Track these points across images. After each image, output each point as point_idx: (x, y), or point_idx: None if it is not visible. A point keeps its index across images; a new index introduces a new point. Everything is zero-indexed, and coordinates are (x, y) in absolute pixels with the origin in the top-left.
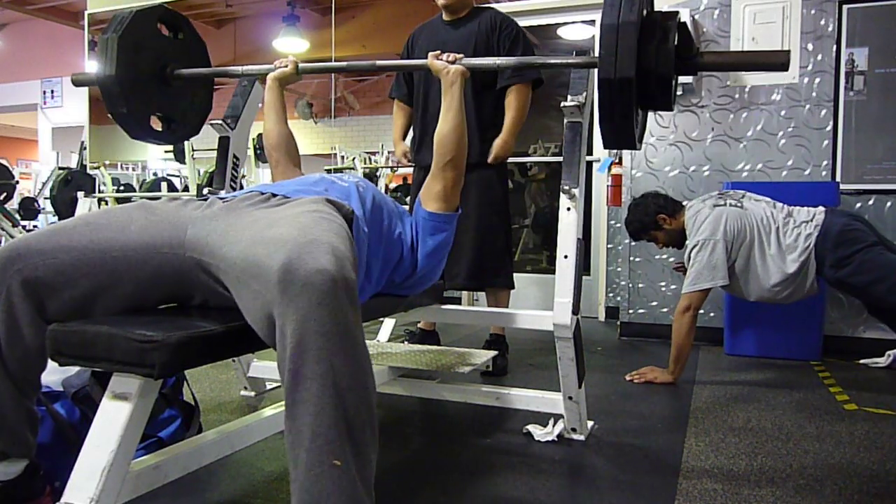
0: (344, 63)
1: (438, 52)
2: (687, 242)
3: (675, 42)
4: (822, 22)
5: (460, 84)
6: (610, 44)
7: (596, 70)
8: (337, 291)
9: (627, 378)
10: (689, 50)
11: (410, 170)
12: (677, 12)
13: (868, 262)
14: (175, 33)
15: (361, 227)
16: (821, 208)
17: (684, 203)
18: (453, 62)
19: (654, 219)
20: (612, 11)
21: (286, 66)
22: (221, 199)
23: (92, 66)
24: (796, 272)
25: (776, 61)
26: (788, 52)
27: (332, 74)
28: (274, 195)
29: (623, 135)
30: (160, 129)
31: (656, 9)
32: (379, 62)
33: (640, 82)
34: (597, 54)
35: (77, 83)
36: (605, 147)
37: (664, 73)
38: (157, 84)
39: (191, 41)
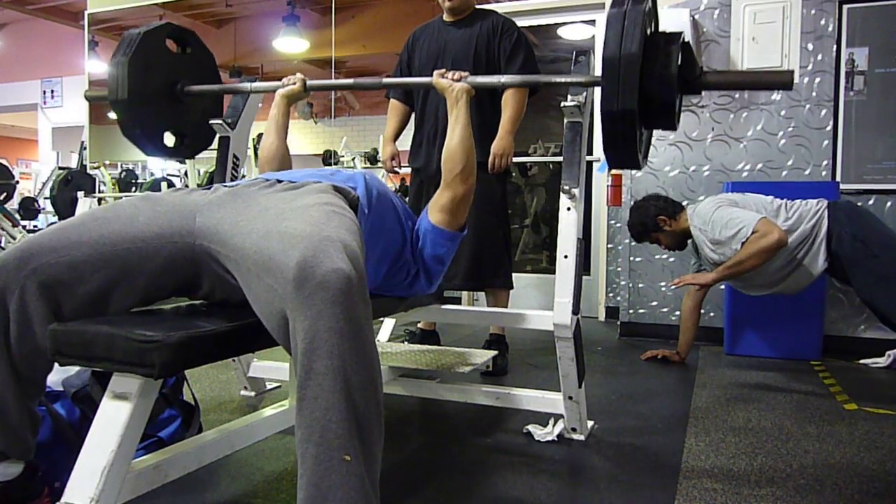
0: (351, 80)
1: (443, 69)
2: (693, 233)
3: (679, 63)
4: (822, 22)
5: (465, 101)
6: (612, 75)
7: (599, 91)
8: (351, 290)
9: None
10: (693, 71)
11: (409, 170)
12: (681, 33)
13: (881, 231)
14: (183, 48)
15: (363, 211)
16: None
17: (685, 204)
18: (458, 80)
19: (655, 221)
20: (615, 41)
21: (294, 84)
22: (226, 186)
23: (92, 65)
24: (808, 230)
25: (780, 80)
26: (792, 71)
27: (332, 75)
28: (279, 181)
29: (627, 158)
30: (173, 144)
31: (657, 7)
32: (385, 80)
33: (642, 107)
34: (599, 72)
35: (90, 99)
36: (610, 167)
37: (667, 97)
38: (168, 101)
39: (199, 55)
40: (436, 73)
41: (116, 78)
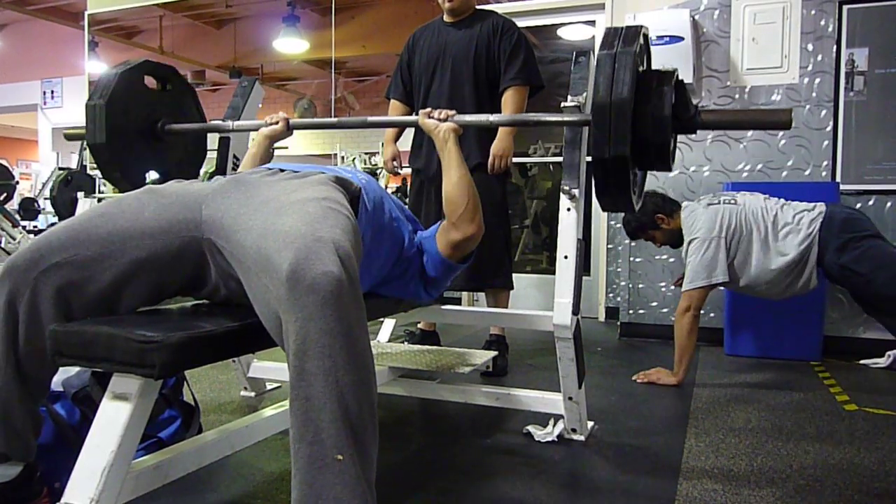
0: (335, 119)
1: (429, 109)
2: (684, 240)
3: (673, 103)
4: (822, 22)
5: (454, 140)
6: (602, 121)
7: (588, 132)
8: (341, 292)
9: (633, 378)
10: (687, 111)
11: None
12: (675, 72)
13: (872, 250)
14: (163, 85)
15: (366, 207)
16: (821, 203)
17: (682, 203)
18: (444, 119)
19: (653, 218)
20: (605, 86)
21: (277, 124)
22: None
23: (92, 66)
24: (797, 258)
25: (778, 120)
26: (790, 110)
27: (332, 75)
28: (282, 170)
29: (621, 203)
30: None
31: (658, 7)
32: (370, 119)
33: (635, 149)
34: (589, 111)
35: (69, 138)
36: (603, 211)
37: (661, 139)
38: (149, 141)
39: (179, 90)
40: (422, 112)
41: (94, 121)
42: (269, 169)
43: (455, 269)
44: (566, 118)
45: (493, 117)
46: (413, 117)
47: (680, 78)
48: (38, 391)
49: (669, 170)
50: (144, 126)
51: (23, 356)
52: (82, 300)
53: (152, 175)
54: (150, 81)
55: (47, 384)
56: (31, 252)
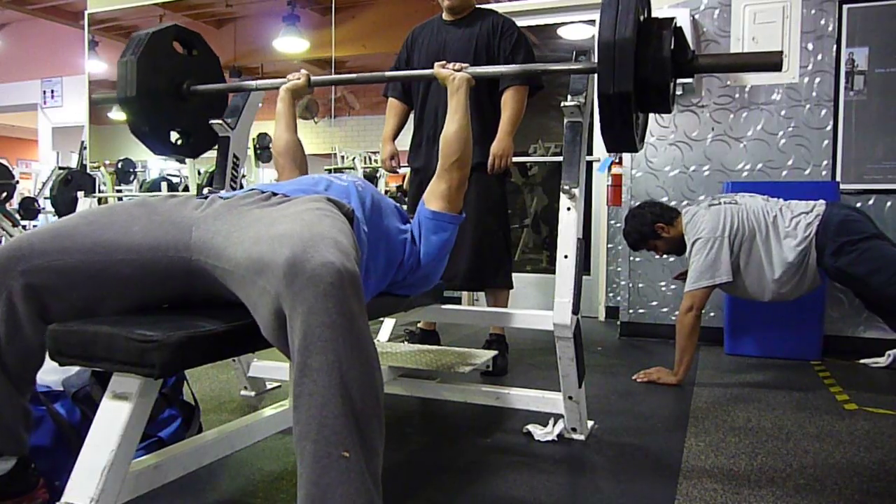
0: (354, 75)
1: (444, 61)
2: (687, 243)
3: (672, 47)
4: (822, 22)
5: (465, 89)
6: (608, 59)
7: (595, 77)
8: (343, 283)
9: (633, 377)
10: (685, 55)
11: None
12: (673, 19)
13: (868, 252)
14: (189, 50)
15: (361, 227)
16: (821, 201)
17: (680, 209)
18: (459, 70)
19: (653, 228)
20: (609, 27)
21: (299, 79)
22: (222, 197)
23: (92, 65)
24: (797, 262)
25: (770, 62)
26: (781, 52)
27: (332, 75)
28: (274, 194)
29: (624, 141)
30: (179, 143)
31: (658, 6)
32: (388, 73)
33: (638, 91)
34: (596, 59)
35: (97, 102)
36: (608, 151)
37: (661, 81)
38: (174, 101)
39: (204, 57)
40: (437, 64)
41: (125, 76)
42: (262, 192)
43: (455, 221)
44: (574, 66)
45: (503, 68)
46: (429, 70)
47: (678, 25)
48: (24, 386)
49: (669, 111)
50: (171, 85)
51: (5, 354)
52: (60, 305)
53: (174, 136)
54: (177, 47)
55: (32, 378)
56: (10, 251)
